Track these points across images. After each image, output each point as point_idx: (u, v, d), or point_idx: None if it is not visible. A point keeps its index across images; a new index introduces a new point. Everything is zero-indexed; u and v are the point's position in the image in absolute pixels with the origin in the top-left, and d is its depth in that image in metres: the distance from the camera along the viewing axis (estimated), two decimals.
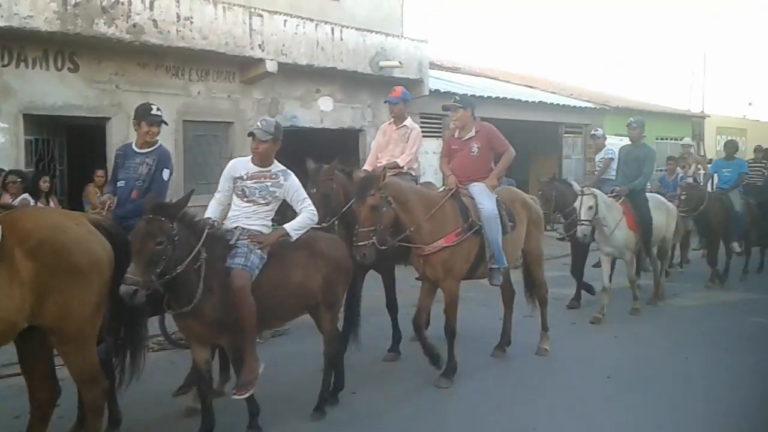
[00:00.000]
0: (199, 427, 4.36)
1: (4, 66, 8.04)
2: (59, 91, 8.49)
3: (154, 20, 8.73)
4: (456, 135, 6.27)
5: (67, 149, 9.35)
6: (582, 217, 7.44)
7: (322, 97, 11.51)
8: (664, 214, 8.57)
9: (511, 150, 6.28)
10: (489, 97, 14.69)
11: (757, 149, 11.73)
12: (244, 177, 4.71)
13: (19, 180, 7.55)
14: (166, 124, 5.33)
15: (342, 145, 11.29)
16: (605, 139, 10.26)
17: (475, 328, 7.11)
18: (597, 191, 7.70)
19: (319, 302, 4.92)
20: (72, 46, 8.45)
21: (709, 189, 10.57)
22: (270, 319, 4.74)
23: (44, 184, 8.05)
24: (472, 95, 13.45)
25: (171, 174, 5.14)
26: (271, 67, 10.01)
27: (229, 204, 4.81)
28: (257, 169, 4.71)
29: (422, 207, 5.58)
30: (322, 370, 5.11)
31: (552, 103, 16.30)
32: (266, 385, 4.80)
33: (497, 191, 6.23)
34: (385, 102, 7.06)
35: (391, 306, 6.50)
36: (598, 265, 8.56)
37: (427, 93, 12.76)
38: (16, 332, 3.58)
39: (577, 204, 7.57)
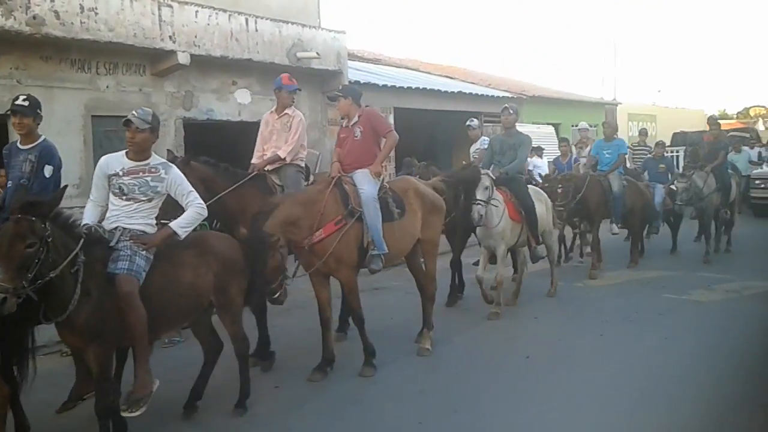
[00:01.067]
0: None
1: None
2: None
3: (56, 11, 8.28)
4: (344, 124, 6.28)
5: None
6: (478, 197, 7.10)
7: (239, 90, 11.24)
8: (543, 205, 8.19)
9: (394, 134, 6.27)
10: (410, 88, 14.75)
11: (659, 144, 12.07)
12: (120, 173, 4.38)
13: None
14: (38, 112, 5.00)
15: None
16: (481, 130, 9.78)
17: (400, 316, 7.16)
18: (490, 172, 7.35)
19: (215, 303, 4.72)
20: None
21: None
22: (160, 325, 4.40)
23: None
24: (398, 86, 13.55)
25: (56, 170, 4.90)
26: (183, 59, 9.68)
27: (107, 205, 4.46)
28: (134, 163, 4.42)
29: (310, 212, 5.48)
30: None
31: (471, 93, 16.48)
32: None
33: (392, 180, 6.33)
34: (275, 89, 6.82)
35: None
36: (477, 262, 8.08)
37: (346, 83, 12.66)
38: None
39: None
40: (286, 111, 6.52)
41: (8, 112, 4.86)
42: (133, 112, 4.47)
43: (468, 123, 9.79)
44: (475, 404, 5.01)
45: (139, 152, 4.43)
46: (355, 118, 6.06)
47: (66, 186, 4.27)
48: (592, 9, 69.96)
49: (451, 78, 19.93)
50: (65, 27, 8.39)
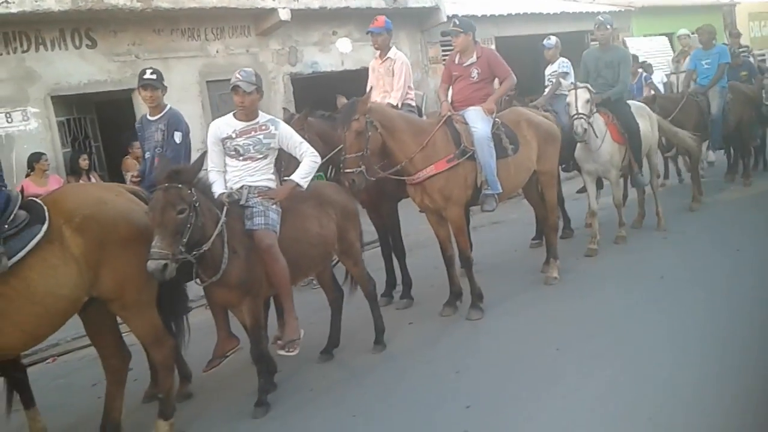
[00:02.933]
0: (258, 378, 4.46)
1: (24, 52, 8.12)
2: (82, 68, 8.56)
3: None
4: (456, 60, 6.13)
5: (99, 125, 9.48)
6: (579, 111, 6.62)
7: (340, 39, 11.32)
8: (647, 120, 7.51)
9: (513, 77, 6.08)
10: (510, 15, 14.29)
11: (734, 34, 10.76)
12: (233, 135, 4.52)
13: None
14: (164, 83, 5.24)
15: (365, 86, 11.17)
16: (558, 49, 8.59)
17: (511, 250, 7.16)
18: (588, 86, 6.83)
19: (337, 250, 4.94)
20: (86, 22, 8.48)
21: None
22: (296, 274, 4.60)
23: (83, 162, 8.25)
24: (497, 15, 13.06)
25: (185, 135, 5.17)
26: (284, 15, 9.88)
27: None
28: (244, 124, 4.54)
29: (411, 134, 5.41)
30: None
31: (575, 12, 15.78)
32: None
33: (502, 114, 6.10)
34: (367, 33, 6.67)
35: (398, 250, 6.29)
36: (583, 190, 7.71)
37: (444, 19, 12.43)
38: (79, 307, 3.74)
39: (571, 99, 6.75)
40: (388, 55, 6.43)
41: (138, 88, 5.16)
42: (237, 75, 4.55)
43: (543, 42, 8.64)
44: (612, 327, 5.00)
45: (249, 113, 4.57)
46: (473, 58, 5.92)
47: (206, 152, 4.48)
48: None
49: None
50: None
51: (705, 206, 8.35)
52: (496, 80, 6.19)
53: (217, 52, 9.83)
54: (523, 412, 3.95)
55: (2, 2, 7.43)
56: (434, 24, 12.44)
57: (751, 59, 11.58)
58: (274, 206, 4.41)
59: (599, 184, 7.46)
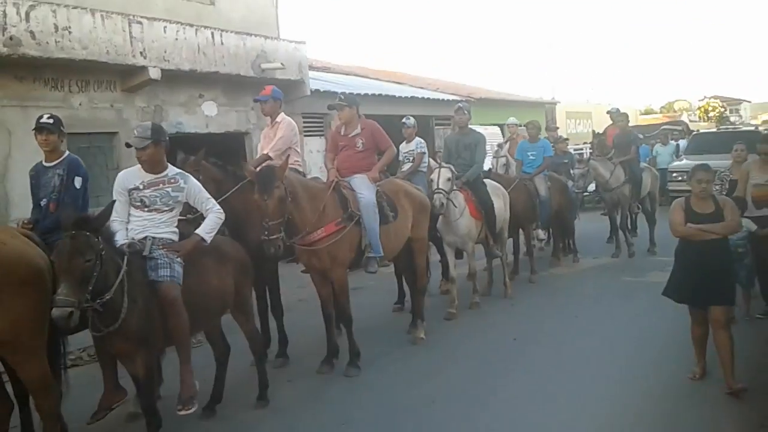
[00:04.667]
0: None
1: None
2: None
3: (32, 32, 8.44)
4: (342, 132, 6.55)
5: None
6: (439, 186, 7.14)
7: (206, 102, 11.51)
8: (501, 199, 8.29)
9: (393, 148, 6.69)
10: (366, 95, 15.17)
11: (595, 135, 12.20)
12: (141, 187, 4.57)
13: None
14: (62, 129, 5.17)
15: (228, 149, 11.31)
16: (416, 129, 9.29)
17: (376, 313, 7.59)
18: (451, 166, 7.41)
19: (233, 305, 5.05)
20: None
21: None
22: (195, 327, 4.63)
23: None
24: (355, 93, 13.83)
25: (85, 181, 5.12)
26: (154, 74, 9.91)
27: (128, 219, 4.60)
28: (152, 176, 4.61)
29: (309, 200, 5.68)
30: (253, 365, 5.43)
31: (423, 98, 17.10)
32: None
33: (381, 183, 6.51)
34: (255, 101, 7.03)
35: (276, 309, 6.44)
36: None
37: (308, 93, 13.05)
38: None
39: (434, 176, 7.30)
40: (276, 119, 6.75)
41: (35, 131, 5.05)
42: (134, 131, 4.65)
43: (404, 120, 9.24)
44: (479, 381, 5.51)
45: (153, 165, 4.62)
46: (357, 129, 6.38)
47: (114, 201, 4.42)
48: (528, 12, 72.37)
49: (400, 83, 20.47)
50: (41, 47, 8.58)
51: (542, 279, 9.32)
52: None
53: (80, 104, 9.60)
54: None
55: None
56: (298, 96, 12.96)
57: (572, 150, 13.18)
58: (178, 259, 4.47)
59: (458, 254, 8.10)
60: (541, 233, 10.15)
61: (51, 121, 5.10)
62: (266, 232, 5.22)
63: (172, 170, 4.75)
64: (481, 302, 8.01)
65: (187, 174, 4.86)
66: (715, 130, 20.94)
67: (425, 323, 6.85)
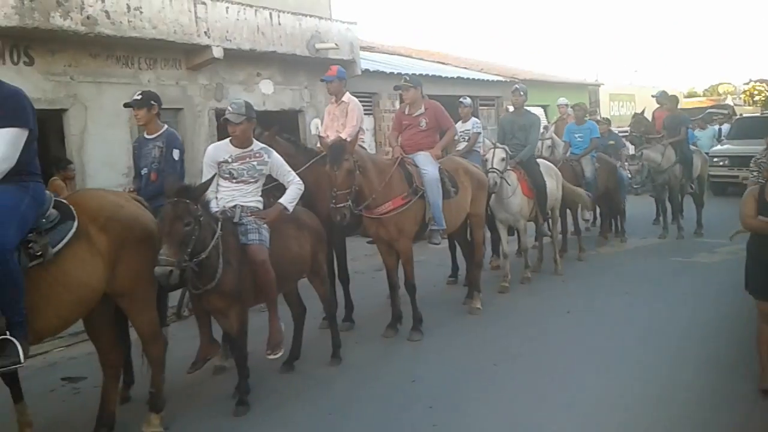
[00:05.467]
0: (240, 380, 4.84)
1: None
2: (18, 84, 8.45)
3: (106, 11, 8.88)
4: (406, 111, 6.92)
5: None
6: (494, 165, 7.49)
7: (263, 81, 11.90)
8: (554, 179, 8.61)
9: (454, 128, 7.05)
10: (413, 75, 15.42)
11: (634, 115, 12.22)
12: (229, 160, 4.99)
13: None
14: (152, 103, 5.53)
15: (283, 126, 11.66)
16: (472, 110, 9.53)
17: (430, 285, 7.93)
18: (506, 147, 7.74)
19: (309, 270, 5.47)
20: (26, 40, 8.49)
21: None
22: (278, 288, 5.02)
23: None
24: (419, 74, 14.09)
25: (181, 153, 5.55)
26: (217, 53, 10.33)
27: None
28: (240, 150, 5.02)
29: (376, 173, 6.07)
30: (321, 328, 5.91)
31: (468, 78, 17.29)
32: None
33: (441, 161, 6.85)
34: (322, 80, 7.37)
35: (344, 277, 6.84)
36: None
37: (359, 73, 13.36)
38: (98, 299, 4.03)
39: (489, 156, 7.64)
40: (343, 99, 7.12)
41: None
42: (229, 108, 5.06)
43: (461, 99, 9.43)
44: (538, 349, 5.84)
45: (243, 141, 5.05)
46: (421, 109, 6.74)
47: (215, 174, 4.88)
48: None
49: (444, 64, 20.66)
50: (115, 26, 9.00)
51: (590, 257, 9.57)
52: None
53: (148, 81, 10.04)
54: (478, 411, 4.64)
55: None
56: (349, 76, 13.23)
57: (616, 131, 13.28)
58: (264, 225, 4.89)
59: (510, 231, 8.39)
60: (587, 213, 10.32)
61: (139, 97, 5.53)
62: (334, 201, 5.64)
63: (257, 145, 5.16)
64: (532, 278, 8.31)
65: (270, 149, 5.25)
66: (758, 114, 20.65)
67: (481, 294, 7.18)
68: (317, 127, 11.71)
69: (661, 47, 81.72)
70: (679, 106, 12.38)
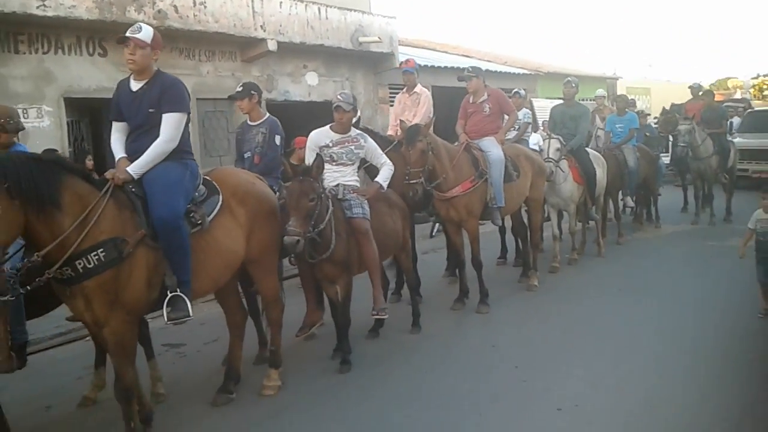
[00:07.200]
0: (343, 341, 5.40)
1: (44, 53, 8.55)
2: (92, 74, 9.06)
3: (175, 6, 9.39)
4: (471, 100, 7.41)
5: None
6: (549, 156, 7.99)
7: (309, 73, 12.40)
8: (602, 168, 9.10)
9: (516, 112, 7.56)
10: (445, 67, 15.91)
11: (663, 111, 13.11)
12: (330, 144, 5.55)
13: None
14: (251, 94, 6.02)
15: (326, 116, 12.19)
16: (524, 100, 9.99)
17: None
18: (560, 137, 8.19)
19: (400, 245, 6.04)
20: (100, 32, 9.00)
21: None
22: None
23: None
24: (425, 65, 14.47)
25: (282, 139, 6.08)
26: (272, 46, 10.83)
27: None
28: (339, 135, 5.58)
29: (448, 157, 6.62)
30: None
31: (496, 71, 17.74)
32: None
33: (504, 147, 7.35)
34: (402, 72, 7.87)
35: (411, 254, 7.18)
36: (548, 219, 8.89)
37: (398, 65, 13.78)
38: (239, 264, 4.56)
39: (545, 146, 8.13)
40: (415, 90, 7.65)
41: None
42: (338, 96, 5.63)
43: (516, 90, 9.95)
44: (600, 321, 6.36)
45: (345, 127, 5.61)
46: (484, 96, 7.25)
47: (320, 155, 5.32)
48: None
49: (468, 57, 21.10)
50: (182, 20, 9.52)
51: (627, 242, 10.09)
52: None
53: (207, 72, 10.57)
54: (559, 370, 5.18)
55: (39, 5, 7.91)
56: (387, 68, 13.79)
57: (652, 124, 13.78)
58: (365, 201, 5.43)
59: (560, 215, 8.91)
60: (630, 201, 10.84)
61: (240, 89, 6.05)
62: (407, 177, 6.19)
63: (353, 131, 5.70)
64: (579, 259, 8.83)
65: (365, 134, 5.79)
66: None
67: (538, 273, 7.71)
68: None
69: (673, 41, 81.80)
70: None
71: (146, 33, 4.21)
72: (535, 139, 9.57)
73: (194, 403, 4.84)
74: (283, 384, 5.01)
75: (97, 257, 3.59)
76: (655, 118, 16.93)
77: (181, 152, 4.24)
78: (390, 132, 7.75)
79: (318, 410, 4.66)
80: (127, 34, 4.18)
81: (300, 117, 12.82)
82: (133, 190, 3.99)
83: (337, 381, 5.14)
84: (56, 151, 8.17)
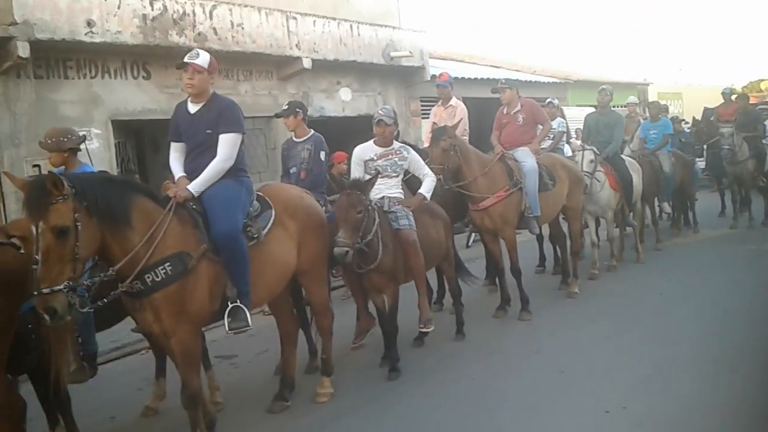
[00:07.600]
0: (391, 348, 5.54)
1: (92, 78, 8.90)
2: (138, 97, 9.40)
3: (214, 28, 9.72)
4: (505, 111, 7.55)
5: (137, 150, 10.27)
6: (584, 168, 8.02)
7: (343, 88, 12.65)
8: (638, 175, 9.15)
9: (549, 122, 7.67)
10: (469, 79, 16.05)
11: (695, 122, 12.92)
12: (374, 158, 5.72)
13: None
14: (296, 112, 6.29)
15: (360, 131, 12.43)
16: (558, 110, 10.27)
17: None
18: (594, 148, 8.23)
19: (443, 255, 6.18)
20: (144, 56, 9.35)
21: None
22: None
23: None
24: (456, 77, 14.61)
25: (326, 155, 6.30)
26: (306, 64, 11.10)
27: None
28: (383, 149, 5.77)
29: (478, 163, 6.75)
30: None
31: (527, 81, 17.84)
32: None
33: (540, 158, 7.46)
34: (436, 86, 8.13)
35: None
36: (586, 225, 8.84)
37: (428, 78, 14.01)
38: (292, 275, 4.75)
39: (578, 158, 8.15)
40: (450, 103, 7.84)
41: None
42: (379, 111, 5.82)
43: (550, 100, 10.24)
44: (639, 326, 6.43)
45: (387, 141, 5.80)
46: (518, 107, 7.39)
47: (379, 172, 5.52)
48: None
49: (497, 67, 21.23)
50: (221, 41, 9.84)
51: (666, 247, 10.10)
52: None
53: (245, 92, 10.87)
54: (604, 373, 5.27)
55: (87, 32, 8.26)
56: (418, 81, 13.99)
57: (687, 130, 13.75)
58: (411, 212, 5.59)
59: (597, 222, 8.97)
60: (667, 206, 10.81)
61: (286, 107, 6.31)
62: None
63: (396, 144, 5.88)
64: (618, 266, 8.88)
65: (408, 147, 5.98)
66: None
67: (578, 280, 7.79)
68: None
69: (702, 44, 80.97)
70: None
71: (203, 59, 4.42)
72: (567, 150, 9.69)
73: (251, 410, 5.03)
74: (335, 391, 5.17)
75: (164, 271, 3.81)
76: (686, 123, 16.84)
77: (236, 170, 4.44)
78: (426, 145, 7.91)
79: (370, 417, 4.82)
80: (186, 59, 4.40)
81: (335, 132, 13.08)
82: (194, 207, 4.21)
83: (386, 388, 5.29)
84: (106, 172, 8.59)
